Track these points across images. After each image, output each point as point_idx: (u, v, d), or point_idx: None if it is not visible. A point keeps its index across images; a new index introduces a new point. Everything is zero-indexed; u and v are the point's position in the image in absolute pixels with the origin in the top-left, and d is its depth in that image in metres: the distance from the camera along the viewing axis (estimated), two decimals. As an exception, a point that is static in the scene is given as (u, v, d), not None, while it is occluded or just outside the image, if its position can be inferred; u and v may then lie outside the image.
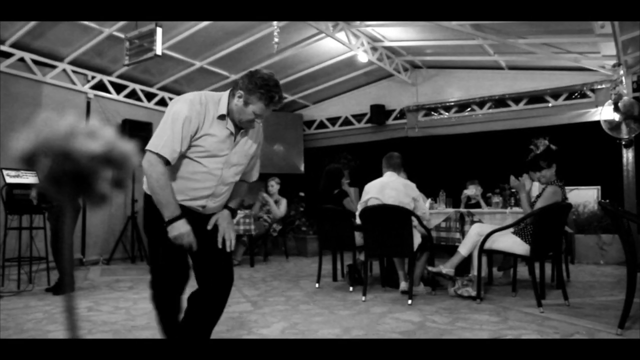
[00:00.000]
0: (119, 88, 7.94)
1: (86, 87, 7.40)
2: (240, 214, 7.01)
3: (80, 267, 6.91)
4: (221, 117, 2.32)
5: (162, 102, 8.63)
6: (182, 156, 2.29)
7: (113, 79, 7.80)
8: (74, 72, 7.23)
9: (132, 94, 8.19)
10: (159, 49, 5.99)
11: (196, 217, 2.38)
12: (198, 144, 2.29)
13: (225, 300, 2.44)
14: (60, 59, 7.02)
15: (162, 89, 8.53)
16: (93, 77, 7.52)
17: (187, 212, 2.32)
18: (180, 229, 2.22)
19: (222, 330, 3.43)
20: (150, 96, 8.47)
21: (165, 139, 2.19)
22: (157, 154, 2.18)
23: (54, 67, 6.97)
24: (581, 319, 3.66)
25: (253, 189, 9.25)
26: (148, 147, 2.21)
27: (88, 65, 7.38)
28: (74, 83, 7.24)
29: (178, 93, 8.81)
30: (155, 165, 2.19)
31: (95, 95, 7.51)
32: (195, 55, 7.56)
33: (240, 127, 2.39)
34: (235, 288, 5.24)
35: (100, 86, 7.65)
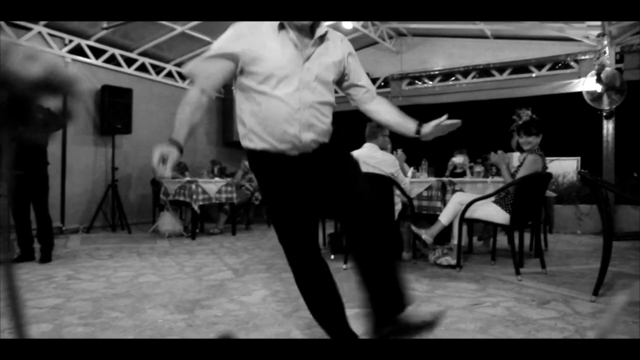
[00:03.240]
0: (97, 53, 7.73)
1: (63, 51, 7.18)
2: (222, 182, 6.97)
3: (59, 235, 6.84)
4: (280, 27, 1.85)
5: (143, 68, 8.45)
6: (246, 93, 1.90)
7: (91, 42, 7.57)
8: (50, 35, 7.00)
9: (112, 59, 7.98)
10: (137, 12, 5.81)
11: (298, 166, 1.94)
12: (255, 71, 1.84)
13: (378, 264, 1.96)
14: (36, 21, 6.79)
15: (143, 54, 8.33)
16: (70, 41, 7.30)
17: (282, 164, 1.92)
18: (161, 149, 1.66)
19: (202, 297, 3.44)
20: (130, 62, 8.26)
21: (200, 67, 1.89)
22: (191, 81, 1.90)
23: (29, 29, 6.74)
24: (558, 286, 3.74)
25: (235, 157, 9.19)
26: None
27: (65, 28, 7.15)
28: (50, 47, 7.01)
29: (160, 59, 8.65)
30: (189, 90, 1.86)
31: (73, 60, 7.30)
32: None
33: (311, 34, 1.90)
34: (216, 256, 5.25)
35: (77, 50, 7.43)
